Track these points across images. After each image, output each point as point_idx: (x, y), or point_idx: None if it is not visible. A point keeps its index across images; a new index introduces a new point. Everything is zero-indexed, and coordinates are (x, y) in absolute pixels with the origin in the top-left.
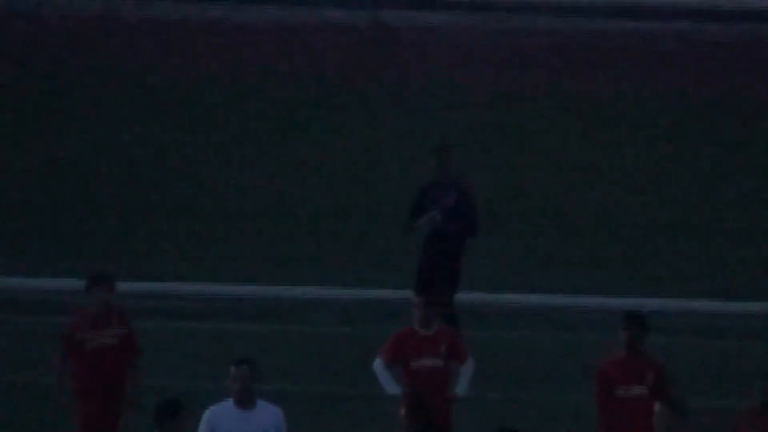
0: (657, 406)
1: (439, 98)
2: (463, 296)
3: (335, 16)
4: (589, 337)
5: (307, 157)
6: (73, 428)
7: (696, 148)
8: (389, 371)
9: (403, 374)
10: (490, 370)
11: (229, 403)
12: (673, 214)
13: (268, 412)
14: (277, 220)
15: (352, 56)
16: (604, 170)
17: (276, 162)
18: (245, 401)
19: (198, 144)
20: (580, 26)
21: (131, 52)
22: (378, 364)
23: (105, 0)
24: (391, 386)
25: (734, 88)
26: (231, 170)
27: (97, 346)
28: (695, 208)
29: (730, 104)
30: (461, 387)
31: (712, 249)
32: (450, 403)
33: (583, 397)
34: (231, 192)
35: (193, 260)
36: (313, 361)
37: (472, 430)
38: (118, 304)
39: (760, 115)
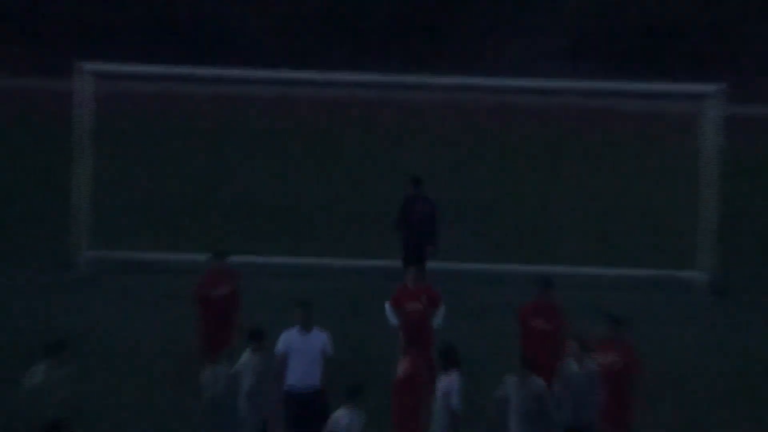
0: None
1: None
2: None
3: (366, 95)
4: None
5: (338, 179)
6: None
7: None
8: (393, 311)
9: (400, 314)
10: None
11: (295, 329)
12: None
13: (319, 335)
14: (316, 216)
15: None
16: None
17: (314, 181)
18: (305, 328)
19: (283, 172)
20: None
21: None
22: (387, 307)
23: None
24: (394, 320)
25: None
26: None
27: (216, 295)
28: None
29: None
30: (436, 321)
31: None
32: (430, 332)
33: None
34: (274, 195)
35: (269, 244)
36: (346, 305)
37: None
38: (228, 269)
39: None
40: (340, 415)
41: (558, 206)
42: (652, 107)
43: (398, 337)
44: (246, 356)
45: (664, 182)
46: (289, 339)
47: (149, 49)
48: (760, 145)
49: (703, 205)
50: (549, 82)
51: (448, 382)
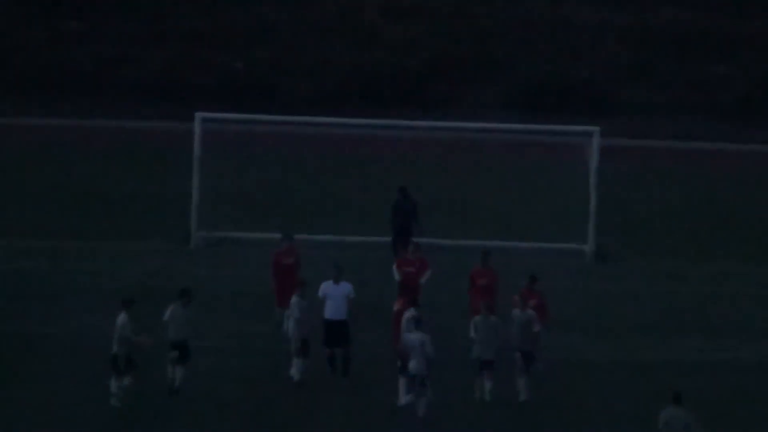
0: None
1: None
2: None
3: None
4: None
5: (356, 187)
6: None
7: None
8: (396, 271)
9: (400, 273)
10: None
11: (331, 281)
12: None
13: (346, 285)
14: (337, 214)
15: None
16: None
17: (344, 188)
18: (336, 280)
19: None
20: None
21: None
22: (394, 268)
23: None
24: (397, 276)
25: None
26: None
27: (285, 263)
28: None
29: None
30: (423, 280)
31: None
32: (418, 286)
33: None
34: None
35: (315, 226)
36: (365, 266)
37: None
38: (293, 245)
39: None
40: (414, 336)
41: (497, 204)
42: (557, 139)
43: (398, 287)
44: (295, 299)
45: (565, 189)
46: (326, 287)
47: (235, 101)
48: (627, 162)
49: (591, 201)
50: (489, 125)
51: (411, 313)
